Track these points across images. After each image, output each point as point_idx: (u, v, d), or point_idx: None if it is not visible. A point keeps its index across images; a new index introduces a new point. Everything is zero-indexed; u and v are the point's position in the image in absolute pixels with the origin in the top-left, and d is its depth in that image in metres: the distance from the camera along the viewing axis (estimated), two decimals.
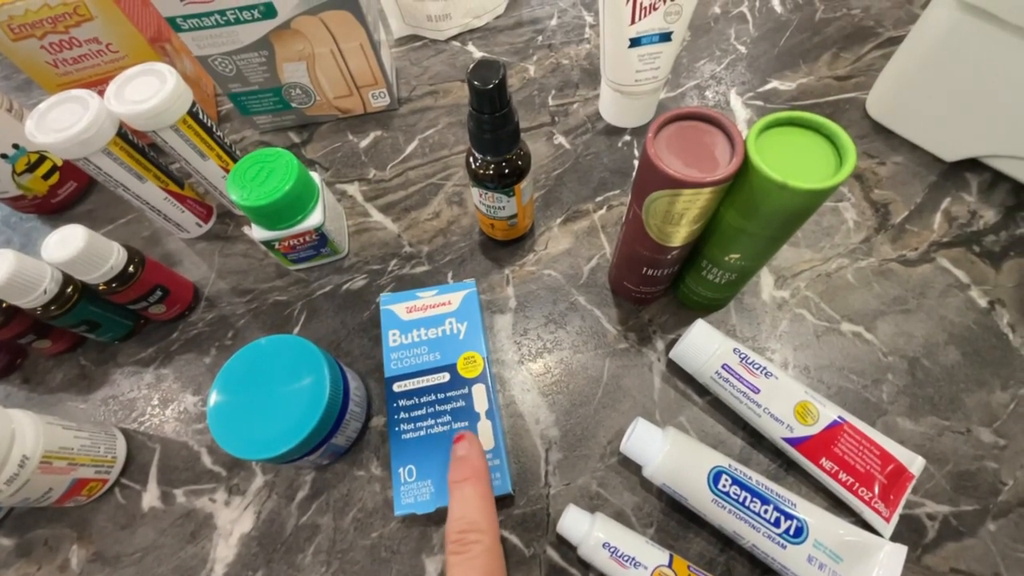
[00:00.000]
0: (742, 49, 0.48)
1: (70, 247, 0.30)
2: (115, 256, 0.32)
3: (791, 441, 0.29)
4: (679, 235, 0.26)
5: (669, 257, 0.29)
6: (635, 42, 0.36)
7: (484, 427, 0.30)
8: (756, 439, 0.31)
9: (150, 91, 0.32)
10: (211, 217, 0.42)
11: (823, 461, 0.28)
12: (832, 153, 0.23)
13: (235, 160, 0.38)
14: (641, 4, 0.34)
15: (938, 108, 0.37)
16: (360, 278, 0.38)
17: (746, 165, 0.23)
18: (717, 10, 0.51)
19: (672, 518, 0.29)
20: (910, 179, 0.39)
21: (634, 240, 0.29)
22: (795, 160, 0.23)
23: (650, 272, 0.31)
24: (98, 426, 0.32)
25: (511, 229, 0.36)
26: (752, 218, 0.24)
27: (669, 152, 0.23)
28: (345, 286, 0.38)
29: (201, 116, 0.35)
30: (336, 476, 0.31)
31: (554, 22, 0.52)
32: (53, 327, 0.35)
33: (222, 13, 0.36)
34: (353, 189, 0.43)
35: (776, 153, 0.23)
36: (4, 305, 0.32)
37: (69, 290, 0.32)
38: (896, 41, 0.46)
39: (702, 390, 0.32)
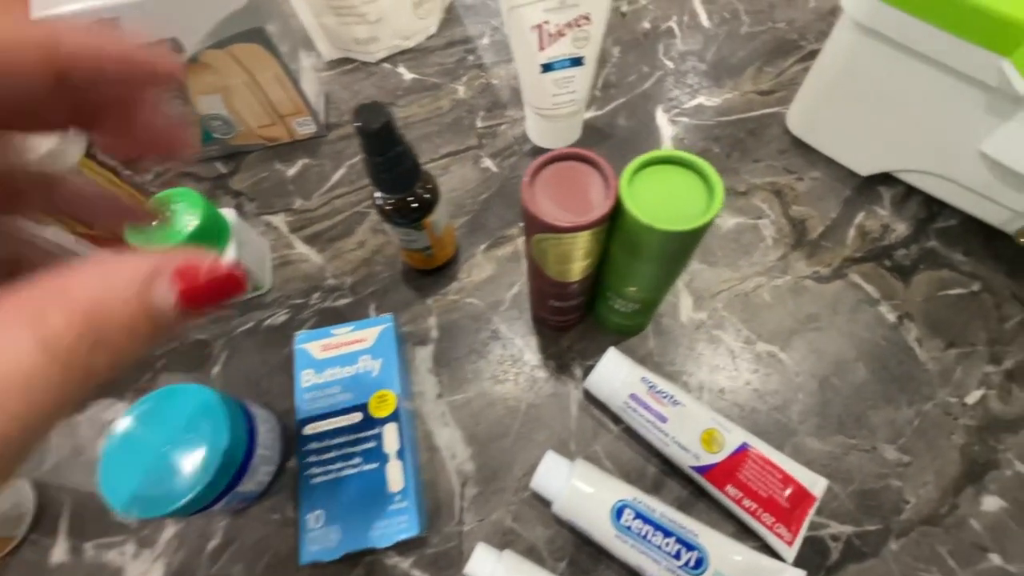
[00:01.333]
0: (670, 64, 0.48)
1: None
2: None
3: (698, 469, 0.29)
4: (572, 272, 0.26)
5: (570, 291, 0.29)
6: (547, 67, 0.36)
7: (394, 468, 0.29)
8: (669, 466, 0.31)
9: (37, 136, 0.31)
10: None
11: (728, 488, 0.28)
12: (704, 191, 0.23)
13: (149, 198, 0.37)
14: (547, 32, 0.34)
15: (850, 124, 0.38)
16: (282, 313, 0.38)
17: (620, 205, 0.23)
18: (647, 25, 0.51)
19: (583, 551, 0.29)
20: (826, 194, 0.39)
21: (535, 275, 0.29)
22: (669, 199, 0.23)
23: (556, 304, 0.31)
24: None
25: (428, 259, 0.36)
26: (635, 255, 0.24)
27: (545, 195, 0.23)
28: (267, 322, 0.38)
29: (101, 156, 0.34)
30: (250, 522, 0.31)
31: (486, 40, 0.52)
32: None
33: None
34: (278, 220, 0.42)
35: (651, 192, 0.23)
36: None
37: None
38: (816, 54, 0.46)
39: (618, 418, 0.32)
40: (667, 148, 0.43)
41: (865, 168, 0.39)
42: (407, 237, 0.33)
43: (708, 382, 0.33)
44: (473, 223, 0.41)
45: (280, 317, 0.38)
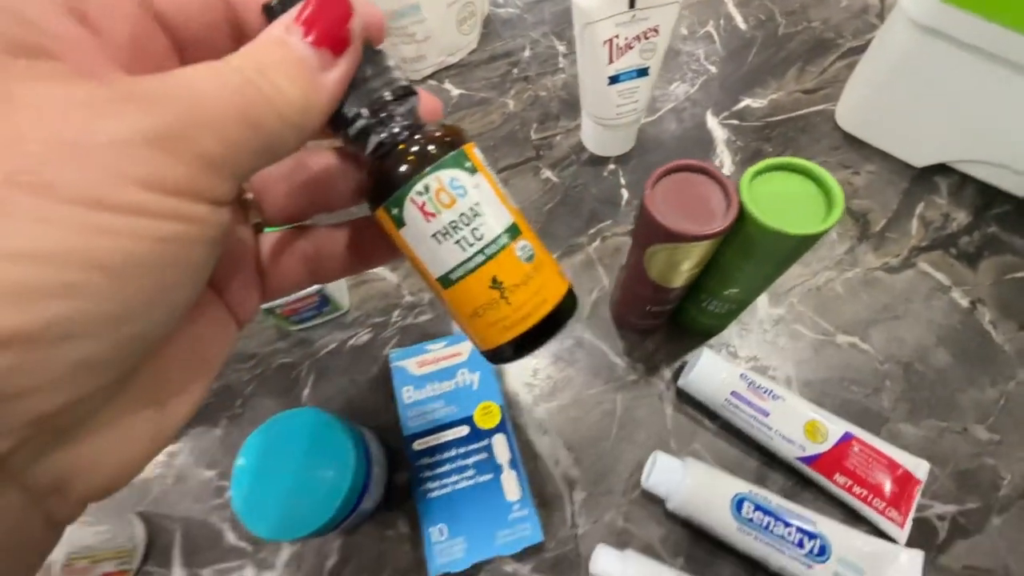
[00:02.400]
0: (712, 69, 0.49)
1: None
2: None
3: (805, 460, 0.30)
4: (680, 279, 0.27)
5: (671, 296, 0.30)
6: (614, 79, 0.37)
7: (508, 477, 0.30)
8: (769, 458, 0.32)
9: None
10: None
11: (837, 476, 0.29)
12: (820, 194, 0.24)
13: None
14: (617, 45, 0.35)
15: (903, 118, 0.39)
16: (364, 332, 0.39)
17: (741, 212, 0.24)
18: (685, 31, 0.52)
19: (700, 547, 0.30)
20: (884, 187, 0.41)
21: (636, 283, 0.29)
22: (786, 204, 0.24)
23: (653, 309, 0.32)
24: (113, 513, 0.32)
25: (532, 268, 0.16)
26: (750, 258, 0.25)
27: (666, 205, 0.24)
28: (350, 342, 0.38)
29: None
30: (365, 538, 0.31)
31: (527, 53, 0.53)
32: None
33: None
34: None
35: (768, 198, 0.24)
36: None
37: None
38: (856, 51, 0.48)
39: (713, 415, 0.33)
40: (722, 152, 0.44)
41: (921, 160, 0.40)
42: (465, 214, 0.15)
43: (796, 375, 0.34)
44: (543, 234, 0.42)
45: (363, 336, 0.38)
